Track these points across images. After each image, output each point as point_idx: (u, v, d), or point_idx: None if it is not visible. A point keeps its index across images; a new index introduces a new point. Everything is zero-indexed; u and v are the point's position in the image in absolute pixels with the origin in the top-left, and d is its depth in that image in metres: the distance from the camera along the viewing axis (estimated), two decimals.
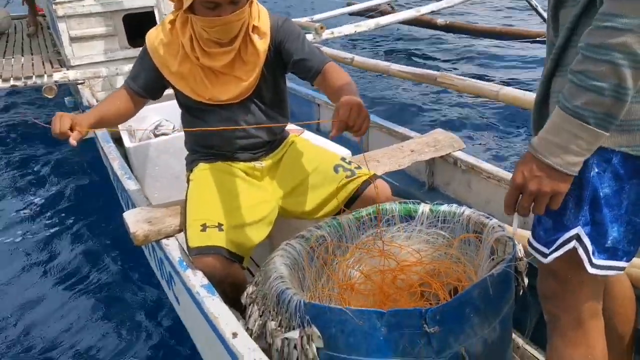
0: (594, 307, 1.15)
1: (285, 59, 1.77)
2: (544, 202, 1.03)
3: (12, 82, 3.52)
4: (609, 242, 1.05)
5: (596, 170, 1.01)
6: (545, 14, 6.53)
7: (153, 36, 1.75)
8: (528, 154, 1.03)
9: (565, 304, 1.16)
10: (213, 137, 1.82)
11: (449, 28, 7.69)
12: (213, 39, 1.67)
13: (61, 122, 1.55)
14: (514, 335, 1.71)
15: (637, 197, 1.03)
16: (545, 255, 1.12)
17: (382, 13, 7.55)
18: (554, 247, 1.09)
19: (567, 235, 1.07)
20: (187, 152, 1.97)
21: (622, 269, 1.09)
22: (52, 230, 3.30)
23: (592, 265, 1.06)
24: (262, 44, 1.72)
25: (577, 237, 1.06)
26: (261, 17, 1.74)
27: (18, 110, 5.76)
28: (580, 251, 1.06)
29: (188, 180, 1.88)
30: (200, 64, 1.72)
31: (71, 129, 1.56)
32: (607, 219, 1.03)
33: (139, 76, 1.78)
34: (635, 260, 1.32)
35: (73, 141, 1.55)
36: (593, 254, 1.06)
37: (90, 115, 1.67)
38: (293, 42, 1.74)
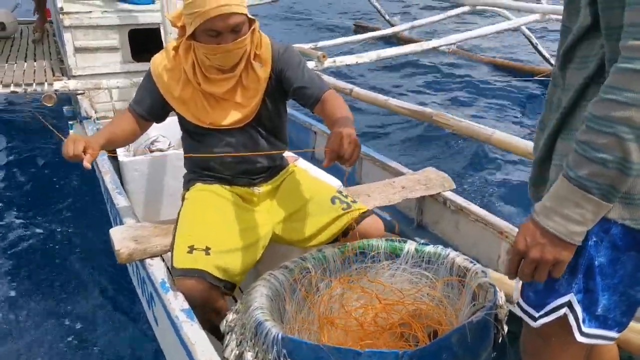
0: None
1: (285, 86, 1.80)
2: (545, 269, 1.02)
3: (12, 88, 3.53)
4: (599, 310, 1.04)
5: (594, 239, 1.01)
6: (544, 52, 6.72)
7: (157, 62, 1.79)
8: (531, 220, 1.02)
9: None
10: (213, 161, 1.84)
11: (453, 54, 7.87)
12: (215, 65, 1.70)
13: (75, 145, 1.61)
14: None
15: (634, 269, 1.02)
16: (534, 319, 1.11)
17: (400, 41, 7.70)
18: (543, 312, 1.09)
19: (559, 301, 1.06)
20: (186, 171, 1.98)
21: (613, 339, 1.08)
22: (39, 240, 3.28)
23: (582, 334, 1.05)
24: (263, 72, 1.76)
25: (569, 305, 1.05)
26: (263, 45, 1.77)
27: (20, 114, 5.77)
28: (571, 319, 1.05)
29: (183, 199, 1.88)
30: (202, 89, 1.75)
31: (84, 152, 1.62)
32: (599, 287, 1.03)
33: (144, 100, 1.83)
34: None
35: (87, 164, 1.62)
36: (583, 322, 1.05)
37: (100, 138, 1.73)
38: (294, 70, 1.77)
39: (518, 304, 1.16)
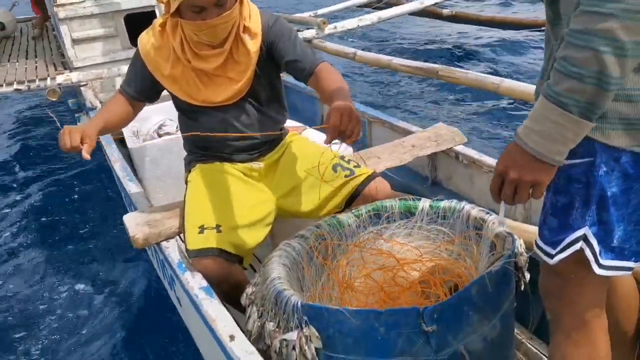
0: (598, 306, 1.13)
1: (277, 59, 1.75)
2: (525, 190, 1.01)
3: (15, 86, 3.53)
4: (615, 241, 1.02)
5: (604, 169, 0.98)
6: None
7: (145, 40, 1.75)
8: (513, 141, 1.01)
9: (568, 303, 1.13)
10: (209, 139, 1.81)
11: (454, 18, 7.63)
12: (203, 41, 1.66)
13: (71, 136, 1.57)
14: (517, 331, 1.69)
15: None
16: (551, 256, 1.09)
17: (389, 4, 7.54)
18: (560, 248, 1.07)
19: (574, 235, 1.04)
20: (186, 153, 1.97)
21: (631, 269, 1.06)
22: (58, 230, 3.33)
23: (600, 266, 1.03)
24: (253, 45, 1.70)
25: (584, 238, 1.03)
26: (252, 17, 1.71)
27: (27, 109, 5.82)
28: (588, 252, 1.03)
29: (186, 182, 1.87)
30: (192, 66, 1.71)
31: (81, 142, 1.57)
32: (614, 218, 1.00)
33: (134, 80, 1.79)
34: None
35: (87, 155, 1.58)
36: (600, 254, 1.03)
37: (94, 125, 1.68)
38: (285, 42, 1.72)
39: (536, 243, 1.14)
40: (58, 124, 1.93)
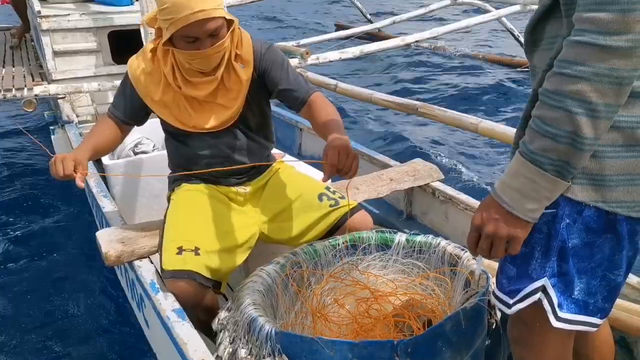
0: (562, 356, 1.13)
1: (269, 87, 1.76)
2: (501, 245, 1.01)
3: None
4: (576, 293, 1.02)
5: (567, 221, 0.98)
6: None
7: (135, 65, 1.73)
8: (489, 196, 1.01)
9: (533, 352, 1.13)
10: (196, 163, 1.80)
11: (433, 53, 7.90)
12: (195, 68, 1.65)
13: (64, 165, 1.56)
14: None
15: (612, 252, 1.00)
16: (508, 306, 1.08)
17: (373, 36, 7.71)
18: (518, 298, 1.06)
19: (532, 286, 1.03)
20: (170, 172, 1.95)
21: (595, 325, 1.05)
22: (24, 244, 3.23)
23: (558, 318, 1.03)
24: (245, 73, 1.71)
25: (543, 289, 1.03)
26: (244, 44, 1.72)
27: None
28: (545, 303, 1.03)
29: (169, 200, 1.85)
30: (183, 93, 1.71)
31: (74, 170, 1.57)
32: (574, 271, 1.00)
33: (123, 104, 1.78)
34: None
35: (81, 183, 1.57)
36: (560, 306, 1.02)
37: (85, 151, 1.66)
38: (277, 70, 1.74)
39: (493, 292, 1.14)
40: (44, 148, 1.91)
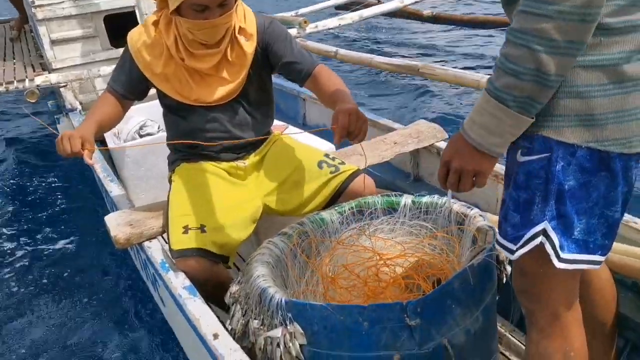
0: (569, 299, 1.14)
1: (273, 61, 1.75)
2: (468, 179, 1.06)
3: None
4: (576, 233, 1.03)
5: (561, 164, 1.00)
6: None
7: (135, 37, 1.72)
8: (458, 132, 1.05)
9: (539, 298, 1.14)
10: (196, 138, 1.80)
11: (434, 19, 7.67)
12: (199, 40, 1.64)
13: (71, 142, 1.54)
14: (499, 324, 1.71)
15: (607, 190, 1.01)
16: (512, 252, 1.10)
17: (367, 6, 7.55)
18: (520, 243, 1.07)
19: (533, 230, 1.05)
20: (170, 152, 1.95)
21: (597, 262, 1.07)
22: (39, 232, 3.28)
23: (560, 259, 1.04)
24: (249, 46, 1.71)
25: (544, 232, 1.04)
26: (247, 18, 1.71)
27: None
28: (547, 246, 1.04)
29: (170, 181, 1.86)
30: (185, 65, 1.69)
31: (82, 147, 1.56)
32: (573, 212, 1.02)
33: (123, 79, 1.76)
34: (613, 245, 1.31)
35: (90, 160, 1.56)
36: (561, 248, 1.03)
37: (89, 128, 1.65)
38: (281, 44, 1.73)
39: (497, 240, 1.16)
40: (50, 128, 1.92)
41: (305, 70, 1.71)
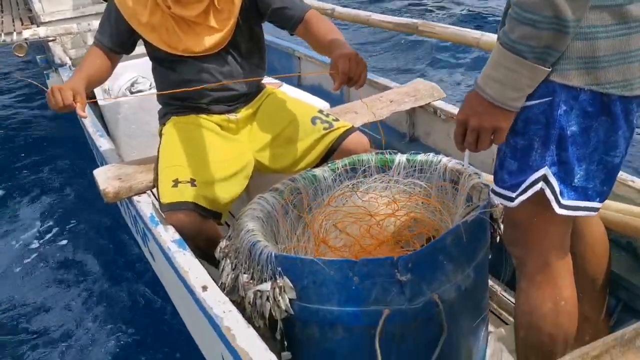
0: (561, 248, 1.14)
1: (262, 7, 1.70)
2: (486, 137, 1.03)
3: None
4: (576, 180, 1.02)
5: (564, 108, 0.98)
6: None
7: None
8: (473, 90, 1.02)
9: (531, 248, 1.14)
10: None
11: None
12: None
13: (62, 95, 1.50)
14: (491, 283, 1.71)
15: (607, 135, 1.00)
16: (511, 200, 1.09)
17: None
18: (520, 190, 1.06)
19: (533, 176, 1.04)
20: (160, 106, 1.91)
21: (595, 209, 1.07)
22: (28, 189, 3.25)
23: (561, 205, 1.03)
24: None
25: (544, 178, 1.03)
26: None
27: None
28: (548, 192, 1.03)
29: (160, 135, 1.82)
30: (172, 13, 1.64)
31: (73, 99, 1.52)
32: (573, 158, 1.01)
33: (109, 32, 1.71)
34: (608, 202, 1.29)
35: (83, 112, 1.53)
36: (561, 194, 1.03)
37: (79, 81, 1.61)
38: None
39: (492, 190, 1.14)
40: (38, 85, 1.88)
41: (296, 16, 1.66)
